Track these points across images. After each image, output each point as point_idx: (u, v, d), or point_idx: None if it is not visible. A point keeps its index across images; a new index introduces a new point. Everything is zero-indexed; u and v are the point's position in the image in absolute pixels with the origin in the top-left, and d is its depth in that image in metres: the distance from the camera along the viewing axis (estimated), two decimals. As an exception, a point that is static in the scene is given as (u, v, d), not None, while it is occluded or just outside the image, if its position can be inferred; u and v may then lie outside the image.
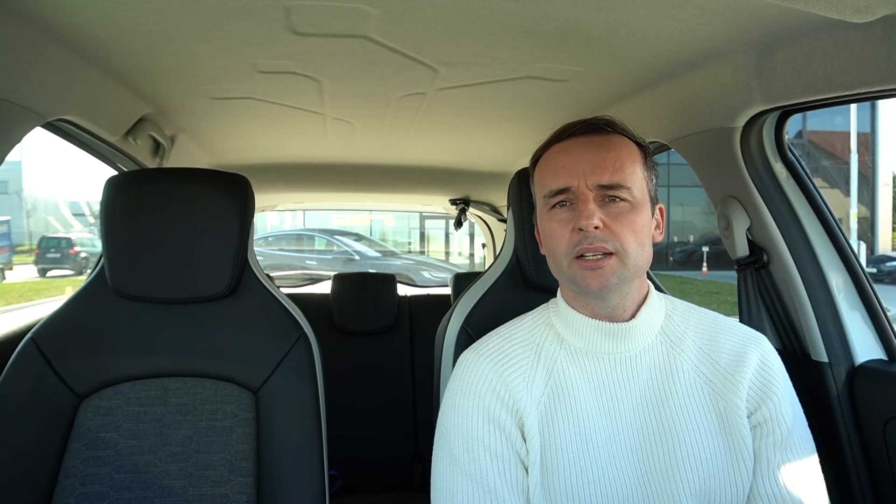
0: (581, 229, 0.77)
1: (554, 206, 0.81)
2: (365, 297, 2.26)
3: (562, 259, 0.80)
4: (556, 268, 0.83)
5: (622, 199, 0.78)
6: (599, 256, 0.77)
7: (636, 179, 0.80)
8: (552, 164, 0.83)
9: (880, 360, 1.12)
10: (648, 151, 0.85)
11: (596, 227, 0.76)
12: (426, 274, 9.34)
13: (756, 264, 1.20)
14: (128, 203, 1.07)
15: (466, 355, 0.86)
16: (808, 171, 1.15)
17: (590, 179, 0.78)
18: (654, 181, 0.85)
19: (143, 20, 0.88)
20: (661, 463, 0.78)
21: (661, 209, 0.86)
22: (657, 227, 0.85)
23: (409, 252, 14.94)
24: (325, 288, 2.43)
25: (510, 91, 1.24)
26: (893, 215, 17.66)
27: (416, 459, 2.13)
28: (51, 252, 14.41)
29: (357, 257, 10.89)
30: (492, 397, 0.80)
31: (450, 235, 16.58)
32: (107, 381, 1.04)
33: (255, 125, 1.58)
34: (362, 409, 2.12)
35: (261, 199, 1.82)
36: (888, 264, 13.79)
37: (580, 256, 0.78)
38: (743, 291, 1.23)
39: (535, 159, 0.88)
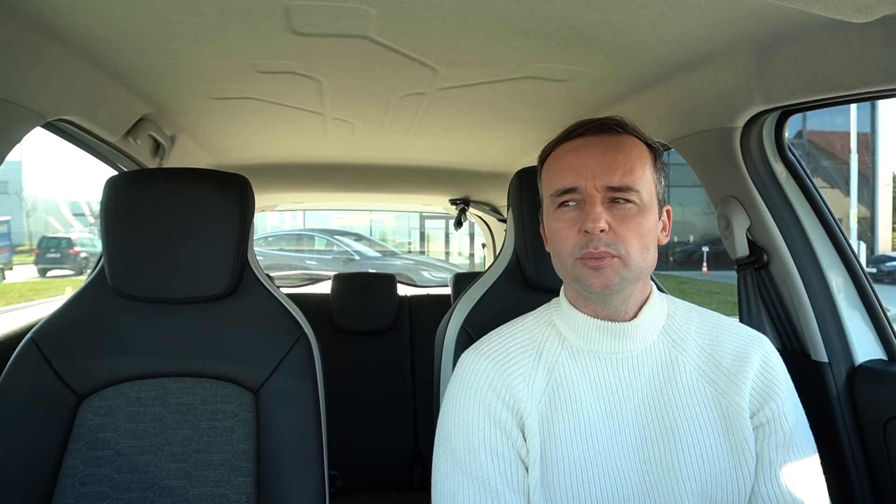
0: (587, 231, 0.76)
1: (560, 205, 0.80)
2: (365, 297, 2.26)
3: (566, 258, 0.79)
4: (560, 266, 0.83)
5: (629, 202, 0.77)
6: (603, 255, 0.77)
7: (645, 182, 0.79)
8: (561, 162, 0.82)
9: (880, 360, 1.12)
10: (658, 153, 0.84)
11: (602, 231, 0.76)
12: (426, 274, 9.34)
13: (756, 264, 1.20)
14: (128, 203, 1.07)
15: (467, 355, 0.86)
16: (808, 171, 1.15)
17: (598, 181, 0.77)
18: (663, 183, 0.84)
19: (143, 20, 0.88)
20: (663, 463, 0.78)
21: (668, 211, 0.85)
22: (663, 229, 0.84)
23: (409, 252, 14.94)
24: (325, 288, 2.43)
25: (510, 91, 1.24)
26: (893, 215, 17.66)
27: (416, 459, 2.13)
28: (51, 252, 14.40)
29: (357, 257, 10.89)
30: (492, 396, 0.80)
31: (450, 235, 16.59)
32: (107, 381, 1.04)
33: (255, 125, 1.58)
34: (362, 409, 2.12)
35: (261, 199, 1.82)
36: (888, 264, 13.80)
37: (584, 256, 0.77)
38: (743, 291, 1.23)
39: (544, 157, 0.87)
